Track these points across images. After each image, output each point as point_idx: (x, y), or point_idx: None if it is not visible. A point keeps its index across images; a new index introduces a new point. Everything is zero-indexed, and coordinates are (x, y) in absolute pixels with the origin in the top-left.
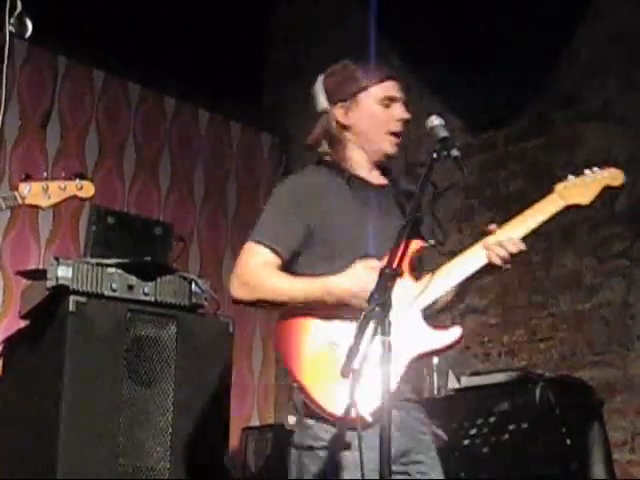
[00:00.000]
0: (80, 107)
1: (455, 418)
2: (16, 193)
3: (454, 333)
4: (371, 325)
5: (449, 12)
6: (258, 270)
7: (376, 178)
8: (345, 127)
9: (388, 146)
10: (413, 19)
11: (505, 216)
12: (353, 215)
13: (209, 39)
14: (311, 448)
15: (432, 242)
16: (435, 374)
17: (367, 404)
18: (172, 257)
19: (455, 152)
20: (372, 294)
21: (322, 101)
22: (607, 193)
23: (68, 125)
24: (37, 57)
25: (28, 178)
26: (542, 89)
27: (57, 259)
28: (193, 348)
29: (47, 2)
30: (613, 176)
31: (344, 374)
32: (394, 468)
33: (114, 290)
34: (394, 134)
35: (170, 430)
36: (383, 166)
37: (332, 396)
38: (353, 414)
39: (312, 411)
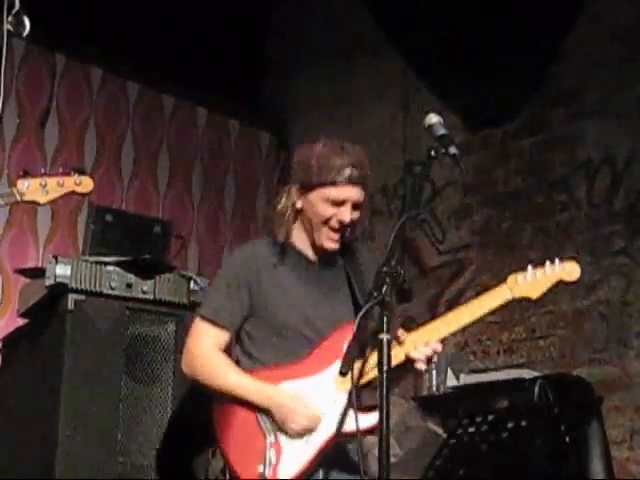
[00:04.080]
0: (78, 105)
1: (454, 416)
2: (14, 189)
3: (374, 417)
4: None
5: (448, 10)
6: (209, 355)
7: (324, 258)
8: (295, 209)
9: (325, 241)
10: (413, 17)
11: (503, 214)
12: (295, 296)
13: (208, 38)
14: None
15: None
16: (434, 372)
17: (285, 471)
18: (171, 255)
19: (453, 150)
20: (371, 292)
21: (291, 173)
22: (605, 191)
23: (66, 123)
24: (35, 55)
25: (26, 174)
26: (540, 87)
27: (55, 257)
28: None
29: (45, 0)
30: (569, 272)
31: (344, 373)
32: None
33: (113, 288)
34: (333, 230)
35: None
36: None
37: (249, 464)
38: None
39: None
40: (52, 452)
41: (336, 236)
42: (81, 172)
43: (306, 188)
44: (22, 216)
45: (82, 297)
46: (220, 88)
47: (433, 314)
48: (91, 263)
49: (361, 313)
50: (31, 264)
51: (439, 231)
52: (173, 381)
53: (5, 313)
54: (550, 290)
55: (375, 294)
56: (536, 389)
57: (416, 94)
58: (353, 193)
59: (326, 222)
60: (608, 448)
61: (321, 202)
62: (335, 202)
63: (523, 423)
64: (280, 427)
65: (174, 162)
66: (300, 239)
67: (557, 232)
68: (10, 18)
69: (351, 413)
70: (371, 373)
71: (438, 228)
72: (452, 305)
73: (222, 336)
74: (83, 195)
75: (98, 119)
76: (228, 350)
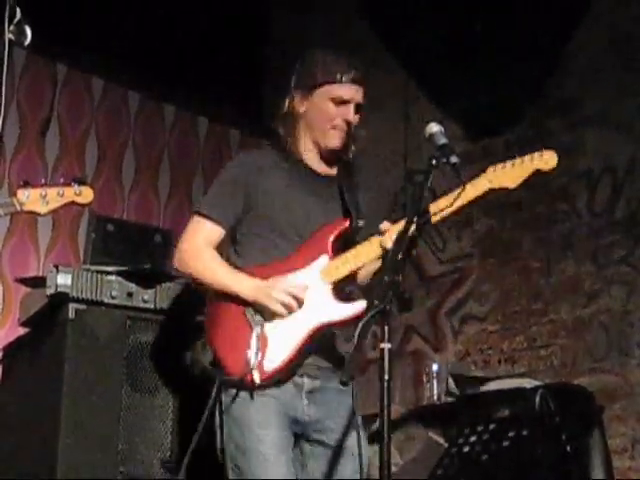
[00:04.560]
0: (79, 115)
1: (455, 425)
2: (14, 199)
3: (357, 306)
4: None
5: (448, 19)
6: (200, 251)
7: (322, 167)
8: (298, 114)
9: (330, 140)
10: (412, 27)
11: (504, 223)
12: (290, 197)
13: (209, 47)
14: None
15: (360, 223)
16: (435, 381)
17: (272, 361)
18: (171, 264)
19: (454, 159)
20: (372, 301)
21: (292, 82)
22: (606, 200)
23: (67, 133)
24: (36, 65)
25: (27, 185)
26: (541, 95)
27: (56, 267)
28: None
29: (46, 10)
30: (546, 160)
31: (344, 382)
32: (311, 437)
33: (114, 297)
34: (337, 129)
35: (170, 438)
36: (337, 157)
37: (237, 356)
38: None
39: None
40: (53, 461)
41: (341, 133)
42: (81, 182)
43: (310, 89)
44: (23, 225)
45: (83, 306)
46: (221, 98)
47: (433, 323)
48: (92, 272)
49: (361, 324)
50: (32, 273)
51: (439, 240)
52: (174, 390)
53: (6, 322)
54: (528, 179)
55: (376, 303)
56: (537, 398)
57: (416, 103)
58: (357, 94)
59: (331, 122)
60: (609, 457)
61: (325, 101)
62: (339, 101)
63: (524, 432)
64: (267, 317)
65: (175, 171)
66: (304, 148)
67: (558, 241)
68: (12, 28)
69: (336, 304)
70: (351, 263)
71: (438, 237)
72: (452, 314)
73: (215, 232)
74: (83, 205)
75: (99, 129)
76: (222, 250)
